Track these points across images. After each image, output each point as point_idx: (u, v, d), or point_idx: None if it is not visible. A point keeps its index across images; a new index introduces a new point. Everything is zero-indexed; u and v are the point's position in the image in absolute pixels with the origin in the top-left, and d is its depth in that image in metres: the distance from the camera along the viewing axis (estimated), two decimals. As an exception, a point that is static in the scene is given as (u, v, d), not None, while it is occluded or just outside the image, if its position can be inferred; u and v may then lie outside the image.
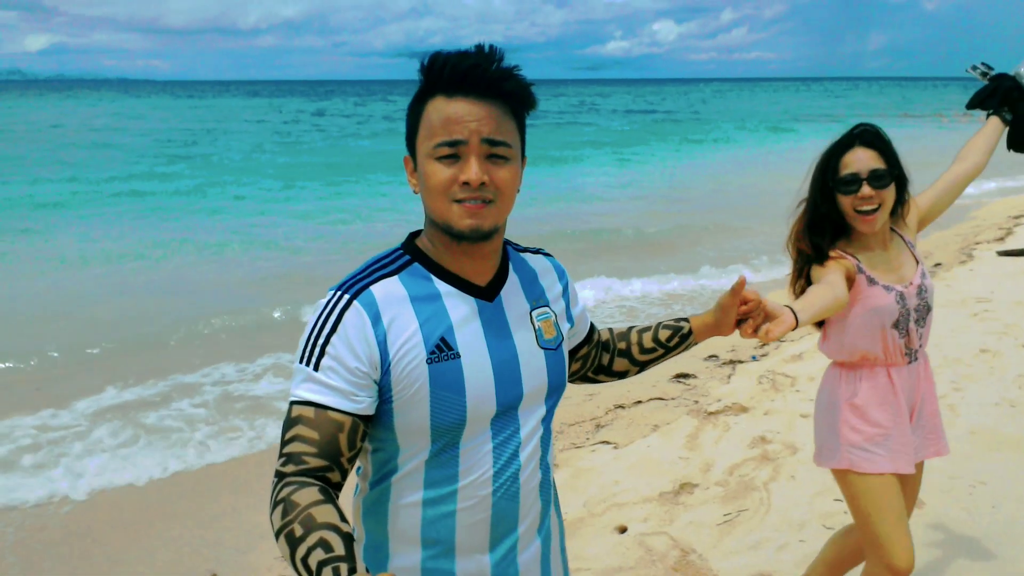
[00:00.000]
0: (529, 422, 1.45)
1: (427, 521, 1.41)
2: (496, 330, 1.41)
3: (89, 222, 13.78)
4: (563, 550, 1.64)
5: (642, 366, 1.76)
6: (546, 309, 1.52)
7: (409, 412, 1.35)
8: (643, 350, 1.74)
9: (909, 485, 2.44)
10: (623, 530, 3.83)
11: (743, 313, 1.69)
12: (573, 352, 1.68)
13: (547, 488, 1.53)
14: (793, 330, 1.73)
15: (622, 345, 1.75)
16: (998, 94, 2.53)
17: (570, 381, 1.70)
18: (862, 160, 2.23)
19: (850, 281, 2.25)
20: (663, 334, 1.74)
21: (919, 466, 2.47)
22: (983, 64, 2.64)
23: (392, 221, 13.97)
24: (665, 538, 3.69)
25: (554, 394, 1.50)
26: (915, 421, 2.38)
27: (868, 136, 2.26)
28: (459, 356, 1.36)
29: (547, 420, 1.50)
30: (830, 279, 2.15)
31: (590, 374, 1.76)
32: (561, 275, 1.61)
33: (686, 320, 1.75)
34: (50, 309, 8.51)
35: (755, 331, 1.68)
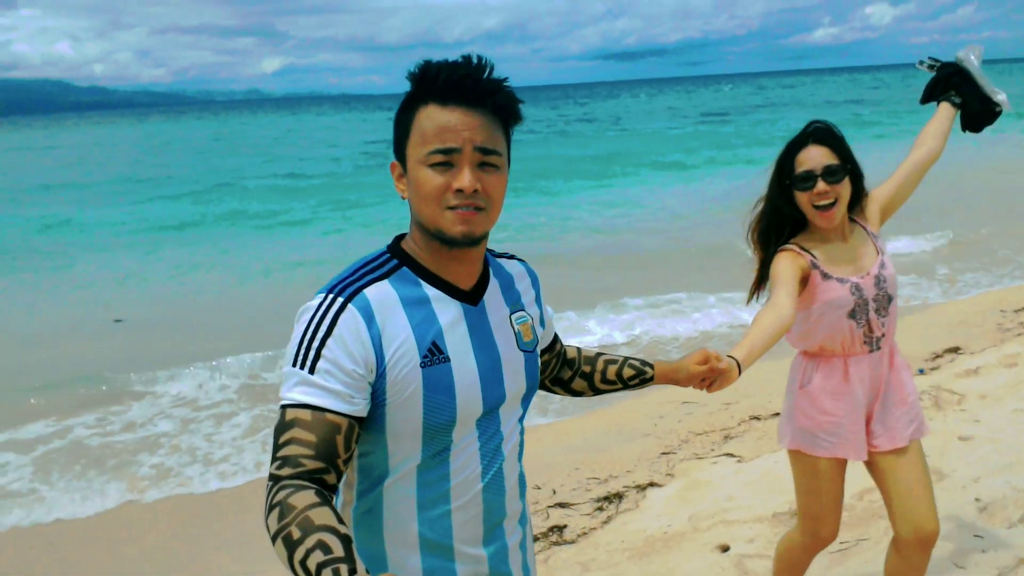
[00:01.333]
0: (509, 420, 1.50)
1: (424, 523, 1.43)
2: (480, 334, 1.45)
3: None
4: (531, 536, 1.70)
5: (597, 392, 1.85)
6: (523, 313, 1.55)
7: (402, 415, 1.37)
8: (604, 380, 1.83)
9: (906, 463, 2.45)
10: (725, 549, 3.63)
11: (703, 375, 1.88)
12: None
13: (522, 481, 1.58)
14: (739, 375, 1.93)
15: (586, 368, 1.82)
16: (941, 82, 2.63)
17: None
18: (816, 157, 2.31)
19: (805, 278, 2.35)
20: (627, 372, 1.83)
21: (914, 446, 2.49)
22: (930, 58, 2.73)
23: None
24: (767, 562, 3.45)
25: (530, 395, 1.55)
26: (879, 407, 2.44)
27: (820, 133, 2.34)
28: (449, 360, 1.39)
29: (522, 418, 1.57)
30: (777, 295, 2.25)
31: (547, 383, 1.81)
32: (534, 280, 1.64)
33: (651, 367, 1.85)
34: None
35: (708, 387, 1.90)
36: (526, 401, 1.56)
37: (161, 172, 28.45)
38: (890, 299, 2.40)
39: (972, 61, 2.63)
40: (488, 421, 1.46)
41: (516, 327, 1.52)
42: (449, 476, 1.43)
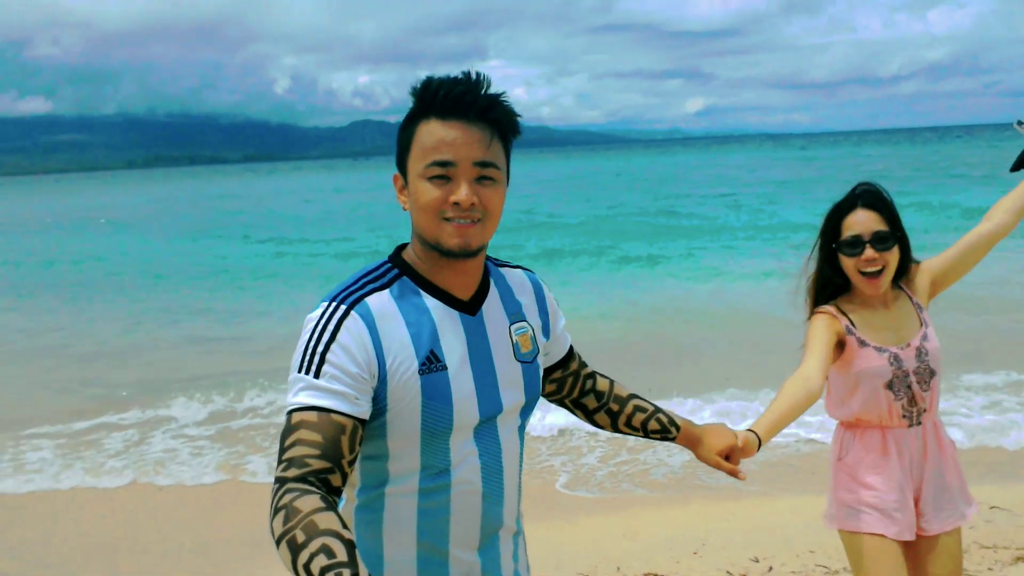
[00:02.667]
0: (508, 431, 1.54)
1: (422, 528, 1.47)
2: (477, 343, 1.49)
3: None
4: (525, 545, 1.73)
5: (618, 432, 1.85)
6: (524, 324, 1.58)
7: (402, 420, 1.41)
8: (629, 424, 1.83)
9: (937, 555, 2.33)
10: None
11: (719, 467, 1.90)
12: (547, 372, 1.72)
13: (520, 491, 1.62)
14: (759, 449, 1.94)
15: (614, 407, 1.83)
16: None
17: (549, 400, 1.80)
18: (864, 222, 2.24)
19: (842, 342, 2.28)
20: (652, 425, 1.84)
21: (954, 536, 2.35)
22: None
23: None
24: None
25: (529, 407, 1.58)
26: (928, 488, 2.32)
27: (869, 197, 2.27)
28: (446, 368, 1.43)
29: (522, 429, 1.61)
30: (807, 364, 2.18)
31: (567, 402, 1.83)
32: (538, 290, 1.66)
33: (677, 428, 1.86)
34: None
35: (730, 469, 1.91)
36: (526, 413, 1.58)
37: (542, 203, 31.10)
38: (933, 373, 2.31)
39: None
40: (486, 431, 1.49)
41: (515, 337, 1.54)
42: (450, 485, 1.46)
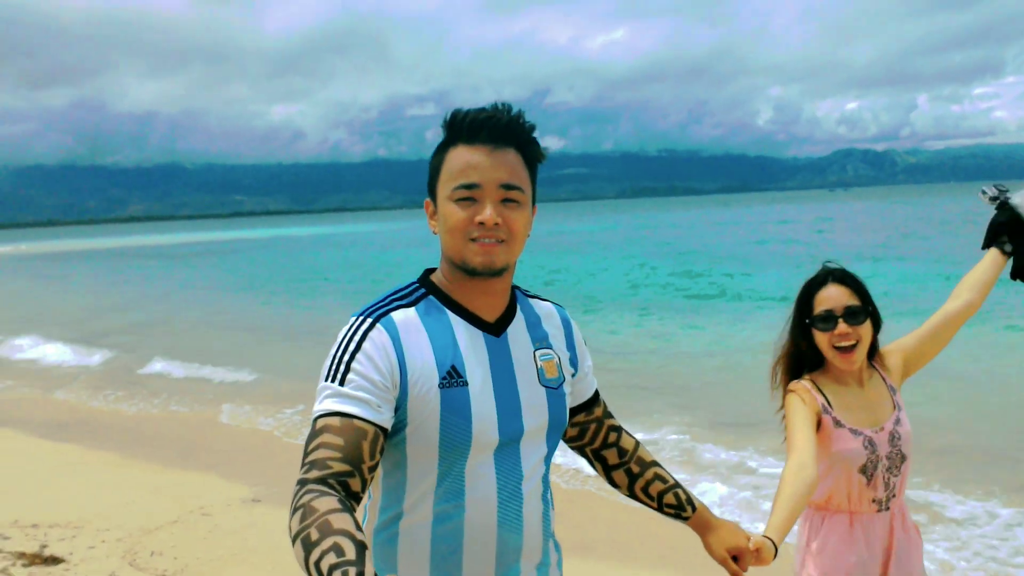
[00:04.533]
0: (531, 458, 1.54)
1: (436, 551, 1.48)
2: (501, 364, 1.52)
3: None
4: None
5: (632, 496, 1.83)
6: (549, 351, 1.61)
7: (421, 434, 1.45)
8: (645, 492, 1.81)
9: None
10: None
11: (727, 567, 1.82)
12: (571, 414, 1.71)
13: (547, 520, 1.60)
14: (776, 555, 1.81)
15: (635, 468, 1.81)
16: (999, 227, 2.37)
17: (569, 446, 1.82)
18: (836, 297, 2.25)
19: (817, 421, 2.25)
20: (668, 499, 1.81)
21: None
22: (995, 187, 2.43)
23: None
24: None
25: (555, 432, 1.59)
26: (892, 573, 2.26)
27: (839, 273, 2.30)
28: (467, 384, 1.46)
29: (548, 458, 1.59)
30: (799, 454, 2.08)
31: (588, 451, 1.82)
32: (566, 324, 1.69)
33: (692, 509, 1.81)
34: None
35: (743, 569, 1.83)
36: (551, 439, 1.58)
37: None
38: (904, 458, 2.27)
39: None
40: (507, 454, 1.50)
41: (539, 363, 1.57)
42: (464, 506, 1.47)
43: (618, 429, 1.83)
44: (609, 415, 1.82)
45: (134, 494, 5.96)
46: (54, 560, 4.51)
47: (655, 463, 1.85)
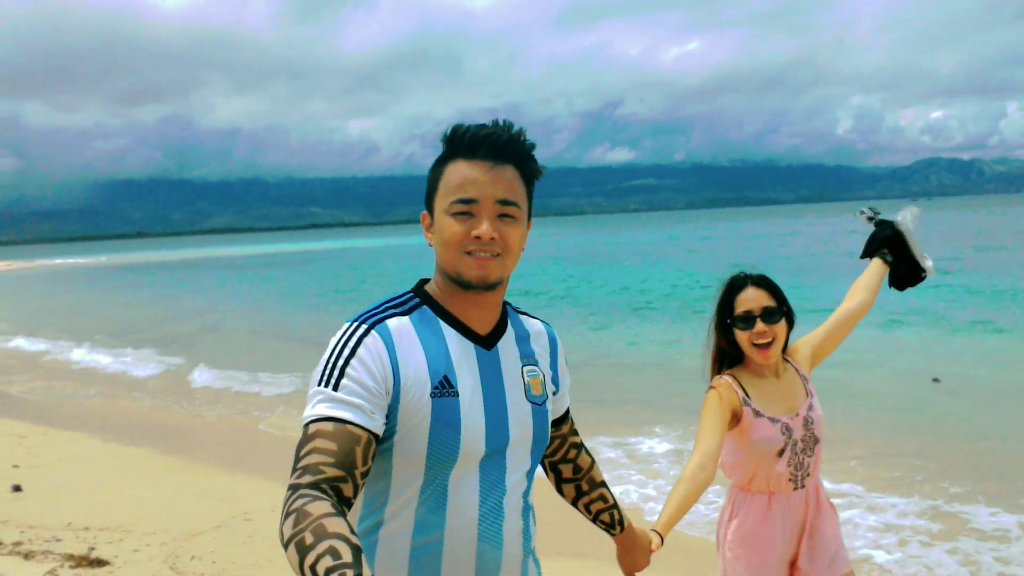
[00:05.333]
0: (515, 472, 1.55)
1: (414, 562, 1.47)
2: (490, 376, 1.54)
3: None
4: None
5: (572, 505, 1.93)
6: (535, 368, 1.63)
7: (409, 442, 1.44)
8: (586, 508, 1.91)
9: None
10: None
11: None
12: None
13: (527, 537, 1.60)
14: (661, 545, 2.03)
15: (584, 487, 1.88)
16: (877, 241, 2.75)
17: None
18: (754, 298, 2.46)
19: (736, 414, 2.45)
20: (603, 517, 1.92)
21: None
22: (870, 208, 2.82)
23: None
24: None
25: (538, 446, 1.60)
26: (806, 547, 2.48)
27: (757, 277, 2.52)
28: (458, 394, 1.47)
29: (530, 473, 1.61)
30: (703, 450, 2.31)
31: (546, 462, 1.86)
32: (552, 342, 1.71)
33: (622, 529, 1.95)
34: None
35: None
36: (535, 454, 1.60)
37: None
38: (817, 440, 2.48)
39: (908, 223, 2.74)
40: (491, 468, 1.51)
41: (527, 379, 1.59)
42: (445, 518, 1.47)
43: (579, 447, 1.88)
44: (575, 432, 1.87)
45: (182, 498, 6.16)
46: (99, 563, 4.70)
47: (603, 484, 1.93)
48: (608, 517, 1.92)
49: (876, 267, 2.75)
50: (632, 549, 2.00)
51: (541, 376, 1.63)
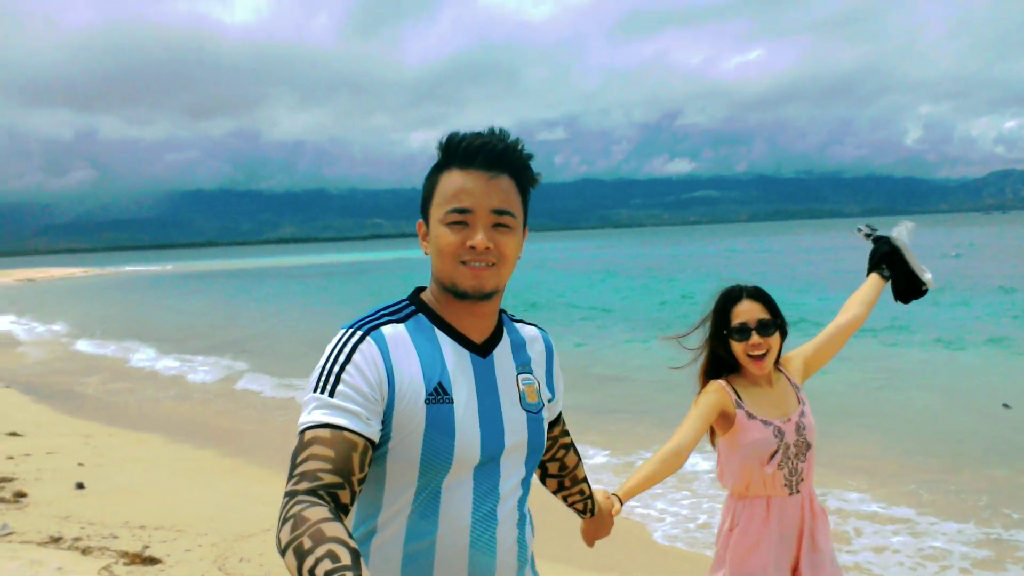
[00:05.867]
0: (509, 479, 1.54)
1: (407, 569, 1.47)
2: (486, 384, 1.53)
3: None
4: None
5: (552, 494, 2.02)
6: (530, 376, 1.63)
7: (404, 449, 1.44)
8: (564, 499, 2.03)
9: None
10: None
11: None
12: None
13: (523, 546, 1.59)
14: (620, 511, 2.18)
15: (567, 484, 1.98)
16: (876, 257, 2.81)
17: None
18: (750, 311, 2.54)
19: (729, 416, 2.53)
20: (578, 506, 2.05)
21: None
22: (867, 225, 2.90)
23: None
24: None
25: (533, 455, 1.60)
26: (806, 552, 2.53)
27: (752, 290, 2.60)
28: (452, 402, 1.47)
29: (525, 481, 1.60)
30: (677, 438, 2.43)
31: None
32: (548, 349, 1.72)
33: (592, 514, 2.10)
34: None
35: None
36: (529, 462, 1.59)
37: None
38: (809, 446, 2.54)
39: (904, 238, 2.79)
40: (485, 475, 1.50)
41: (521, 387, 1.59)
42: (437, 525, 1.46)
43: (568, 447, 1.94)
44: (565, 434, 1.92)
45: (236, 501, 6.32)
46: (152, 560, 4.85)
47: (584, 480, 2.02)
48: (582, 506, 2.05)
49: (872, 282, 2.80)
50: (597, 524, 2.13)
51: (536, 384, 1.63)
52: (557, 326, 19.06)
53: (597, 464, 7.34)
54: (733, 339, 2.56)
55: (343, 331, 1.48)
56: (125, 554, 4.94)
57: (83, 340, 19.29)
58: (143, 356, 16.05)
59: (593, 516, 2.09)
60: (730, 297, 2.60)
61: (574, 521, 2.23)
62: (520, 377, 1.60)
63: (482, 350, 1.56)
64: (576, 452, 1.97)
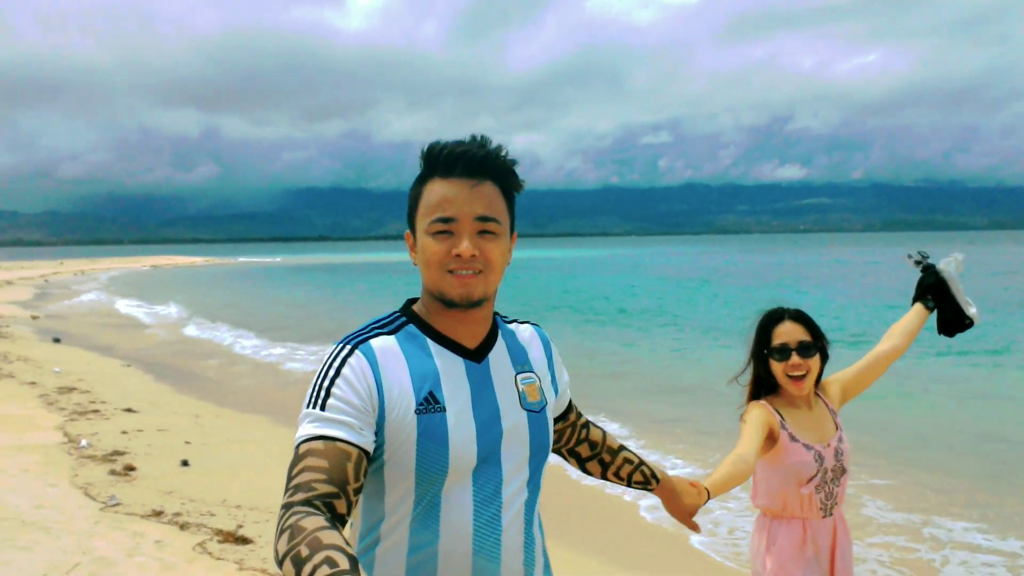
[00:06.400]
0: (512, 482, 1.52)
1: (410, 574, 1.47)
2: (481, 389, 1.53)
3: None
4: None
5: (606, 480, 1.96)
6: (531, 375, 1.62)
7: (398, 459, 1.44)
8: (616, 475, 1.95)
9: None
10: None
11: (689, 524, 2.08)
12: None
13: (531, 550, 1.57)
14: (707, 501, 2.08)
15: (606, 457, 1.93)
16: (922, 287, 2.80)
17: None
18: (791, 332, 2.58)
19: (773, 435, 2.54)
20: (636, 477, 1.96)
21: None
22: (919, 252, 2.85)
23: None
24: None
25: (536, 455, 1.58)
26: (839, 570, 2.58)
27: (794, 312, 2.63)
28: (444, 410, 1.47)
29: (532, 483, 1.57)
30: (744, 445, 2.41)
31: (563, 451, 1.91)
32: (546, 343, 1.72)
33: (656, 481, 1.99)
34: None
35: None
36: (534, 463, 1.57)
37: None
38: (844, 471, 2.59)
39: (951, 270, 2.77)
40: (485, 481, 1.49)
41: (521, 387, 1.58)
42: (439, 531, 1.46)
43: (587, 425, 1.92)
44: (580, 415, 1.90)
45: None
46: (244, 540, 4.99)
47: (622, 447, 1.97)
48: (640, 476, 1.97)
49: (916, 312, 2.79)
50: (676, 496, 2.03)
51: (537, 382, 1.62)
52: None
53: (682, 473, 7.13)
54: (773, 359, 2.60)
55: (334, 347, 1.50)
56: (220, 532, 5.10)
57: (204, 325, 20.52)
58: (253, 342, 16.79)
59: (659, 483, 2.00)
60: (772, 318, 2.64)
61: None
62: (519, 377, 1.60)
63: (476, 355, 1.56)
64: (597, 426, 1.96)
